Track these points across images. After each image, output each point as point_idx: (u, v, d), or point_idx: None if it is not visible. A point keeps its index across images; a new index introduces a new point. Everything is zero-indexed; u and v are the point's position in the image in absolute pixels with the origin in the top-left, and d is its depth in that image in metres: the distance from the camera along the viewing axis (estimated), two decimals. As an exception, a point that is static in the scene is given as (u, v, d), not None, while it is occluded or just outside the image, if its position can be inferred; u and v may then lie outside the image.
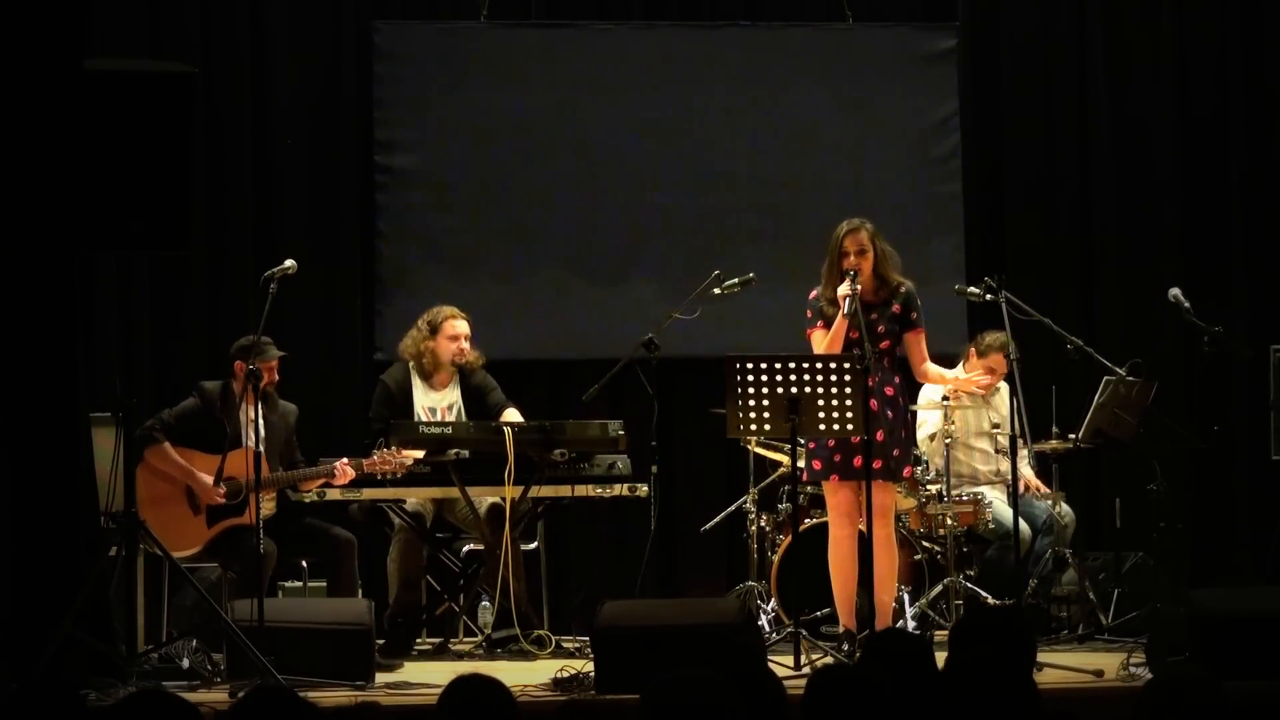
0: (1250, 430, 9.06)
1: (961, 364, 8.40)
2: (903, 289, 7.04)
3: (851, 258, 6.93)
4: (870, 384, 6.77)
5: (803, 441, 6.95)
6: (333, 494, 7.58)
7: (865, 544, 6.94)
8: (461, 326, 7.95)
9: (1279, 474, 8.67)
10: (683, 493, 9.04)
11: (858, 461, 6.84)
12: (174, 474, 7.41)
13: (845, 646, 6.90)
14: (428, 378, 7.94)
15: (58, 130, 6.27)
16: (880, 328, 6.97)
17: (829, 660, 6.74)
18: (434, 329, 7.95)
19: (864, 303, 6.89)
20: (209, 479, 7.36)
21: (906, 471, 7.23)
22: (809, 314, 7.06)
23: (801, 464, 7.14)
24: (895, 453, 6.98)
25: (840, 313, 6.85)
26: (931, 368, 7.26)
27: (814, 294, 7.07)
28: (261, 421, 7.15)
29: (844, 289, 6.85)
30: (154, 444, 7.40)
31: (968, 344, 8.43)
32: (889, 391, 6.97)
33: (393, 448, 7.45)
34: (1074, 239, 9.53)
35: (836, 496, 7.01)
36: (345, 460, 7.48)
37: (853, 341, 6.81)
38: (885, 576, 6.95)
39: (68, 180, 6.27)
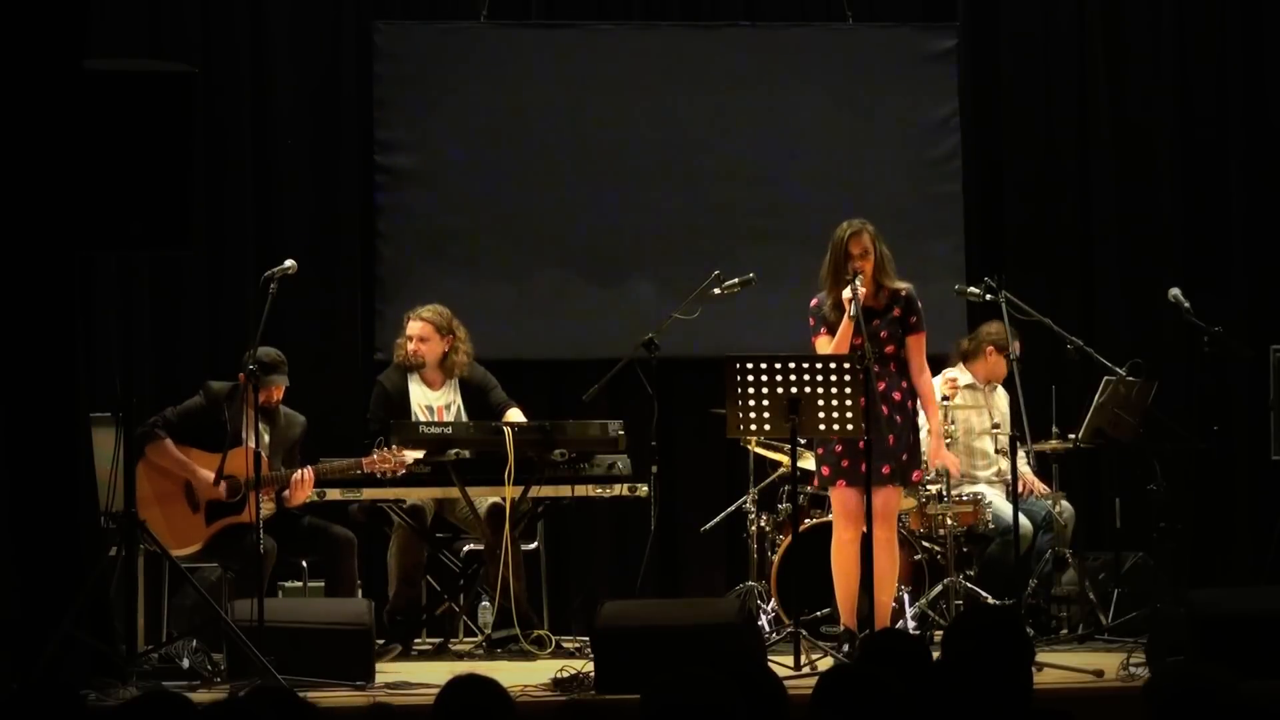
0: (1250, 430, 9.06)
1: (960, 365, 8.40)
2: (904, 293, 7.02)
3: (855, 260, 6.92)
4: (880, 388, 6.77)
5: (804, 441, 6.96)
6: (332, 494, 7.57)
7: (866, 545, 6.95)
8: (412, 327, 7.95)
9: (1279, 474, 8.67)
10: (683, 493, 9.04)
11: (865, 467, 6.83)
12: (173, 470, 7.41)
13: (845, 646, 6.90)
14: (415, 377, 7.95)
15: (58, 130, 6.26)
16: (884, 333, 6.95)
17: (828, 660, 6.74)
18: (404, 333, 7.98)
19: (866, 308, 6.88)
20: (209, 474, 7.37)
21: (916, 476, 7.20)
22: (811, 322, 7.04)
23: (805, 464, 7.12)
24: (904, 457, 6.97)
25: (846, 315, 6.83)
26: (928, 384, 7.18)
27: (815, 301, 7.05)
28: (264, 432, 7.16)
29: (847, 293, 6.84)
30: (155, 440, 7.41)
31: (965, 342, 8.43)
32: (896, 396, 6.96)
33: (392, 447, 7.46)
34: (1074, 239, 9.53)
35: (842, 501, 6.98)
36: (305, 470, 7.45)
37: (856, 346, 6.80)
38: (885, 578, 6.94)
39: (68, 180, 6.27)
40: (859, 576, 7.00)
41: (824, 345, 6.97)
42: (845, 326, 6.85)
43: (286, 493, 7.47)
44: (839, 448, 6.89)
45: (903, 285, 7.03)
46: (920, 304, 7.06)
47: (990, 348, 8.30)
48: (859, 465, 6.82)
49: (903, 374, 7.02)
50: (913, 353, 7.04)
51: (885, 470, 6.88)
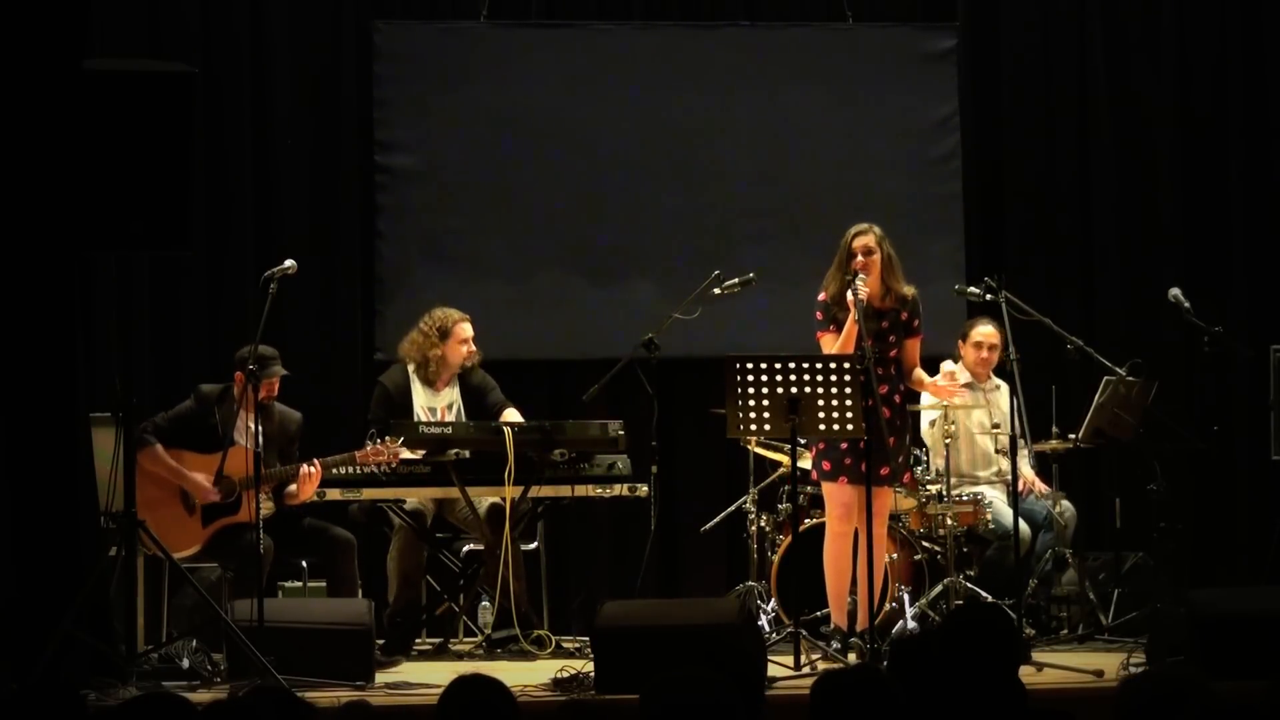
0: (1250, 430, 9.06)
1: (956, 361, 8.41)
2: (910, 297, 7.08)
3: (860, 259, 6.95)
4: (882, 392, 6.80)
5: (804, 441, 6.98)
6: (332, 494, 7.57)
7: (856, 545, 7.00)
8: (469, 330, 7.98)
9: (1279, 474, 8.67)
10: (683, 493, 9.04)
11: (864, 466, 6.86)
12: (165, 476, 7.39)
13: (836, 644, 6.92)
14: (431, 382, 7.94)
15: (58, 130, 6.27)
16: (891, 336, 6.99)
17: (827, 661, 6.75)
18: (444, 334, 7.94)
19: (874, 310, 6.95)
20: (202, 477, 7.36)
21: (906, 476, 7.31)
22: (819, 316, 7.07)
23: (805, 464, 7.14)
24: (900, 459, 7.07)
25: (850, 318, 6.86)
26: (919, 374, 7.26)
27: (824, 296, 7.08)
28: (260, 431, 7.14)
29: (850, 293, 6.87)
30: (145, 446, 7.34)
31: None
32: (897, 399, 7.03)
33: (386, 439, 7.44)
34: (1074, 239, 9.53)
35: (841, 497, 7.02)
36: (312, 464, 7.44)
37: (863, 347, 6.83)
38: (878, 576, 7.02)
39: (68, 180, 6.27)
40: (850, 574, 7.02)
41: (829, 342, 7.00)
42: (850, 328, 6.88)
43: (292, 487, 7.46)
44: (845, 444, 6.92)
45: (909, 289, 7.08)
46: (921, 308, 7.10)
47: (959, 342, 8.35)
48: (859, 464, 6.87)
49: (902, 377, 7.06)
50: (909, 354, 7.09)
51: (884, 472, 6.96)
